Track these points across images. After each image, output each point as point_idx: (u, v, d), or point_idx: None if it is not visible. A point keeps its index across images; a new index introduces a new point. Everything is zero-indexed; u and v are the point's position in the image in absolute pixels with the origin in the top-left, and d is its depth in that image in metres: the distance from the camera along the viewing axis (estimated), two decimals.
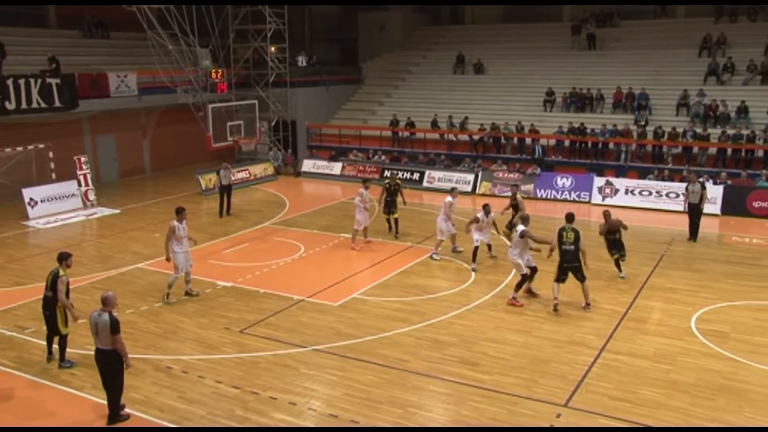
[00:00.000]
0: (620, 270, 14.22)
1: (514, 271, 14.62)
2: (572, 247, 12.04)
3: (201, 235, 18.04)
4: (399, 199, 17.68)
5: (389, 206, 17.58)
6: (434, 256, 15.62)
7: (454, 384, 9.71)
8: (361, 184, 16.83)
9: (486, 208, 14.84)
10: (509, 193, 22.88)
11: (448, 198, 15.70)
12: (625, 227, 14.18)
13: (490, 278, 14.23)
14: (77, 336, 11.27)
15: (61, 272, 10.04)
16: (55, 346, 10.41)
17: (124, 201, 22.78)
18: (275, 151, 29.08)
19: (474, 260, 14.76)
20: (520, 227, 12.73)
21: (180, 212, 12.92)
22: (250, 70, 29.89)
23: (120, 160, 27.00)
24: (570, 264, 12.16)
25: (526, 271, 12.65)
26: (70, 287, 10.28)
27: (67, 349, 10.37)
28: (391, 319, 12.06)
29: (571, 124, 25.37)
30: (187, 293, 13.27)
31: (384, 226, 18.59)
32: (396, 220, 17.75)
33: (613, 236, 14.29)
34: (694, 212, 17.34)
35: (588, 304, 12.29)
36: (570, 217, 12.51)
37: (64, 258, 10.23)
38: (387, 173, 24.82)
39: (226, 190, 20.32)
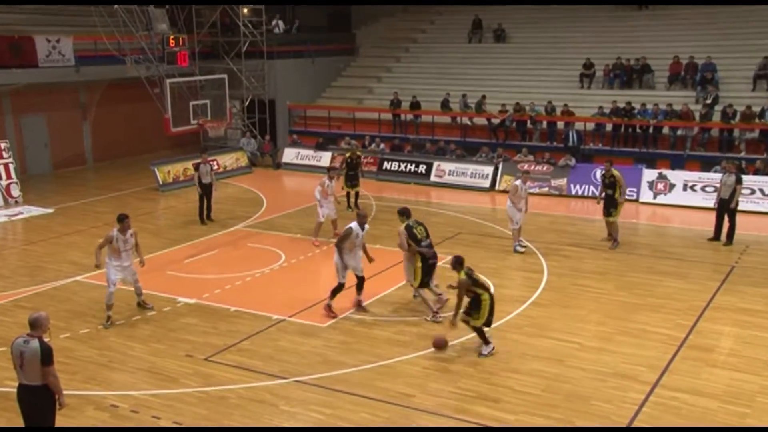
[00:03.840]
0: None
1: (543, 284, 14.64)
2: (429, 240, 12.84)
3: (158, 240, 17.96)
4: (359, 173, 20.89)
5: (352, 180, 20.72)
6: (517, 247, 16.89)
7: (469, 425, 9.60)
8: (325, 173, 18.31)
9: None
10: (536, 190, 23.10)
11: (516, 182, 17.01)
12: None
13: (514, 294, 14.17)
14: None
15: None
16: None
17: (59, 198, 22.67)
18: (249, 137, 29.00)
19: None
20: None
21: (122, 220, 12.82)
22: (218, 37, 29.86)
23: (53, 147, 26.92)
24: (434, 260, 12.80)
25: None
26: None
27: None
28: (392, 343, 12.00)
29: (615, 103, 25.34)
30: (139, 305, 13.37)
31: (381, 230, 18.52)
32: (357, 193, 21.02)
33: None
34: (724, 210, 17.48)
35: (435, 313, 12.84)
36: (407, 211, 13.31)
37: None
38: (352, 143, 25.92)
39: (206, 191, 19.70)
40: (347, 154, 21.36)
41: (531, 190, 22.86)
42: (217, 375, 10.99)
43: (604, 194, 17.47)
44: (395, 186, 24.67)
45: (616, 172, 17.24)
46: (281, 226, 19.38)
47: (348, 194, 20.98)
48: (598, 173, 22.66)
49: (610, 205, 17.17)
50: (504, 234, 18.35)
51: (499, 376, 10.88)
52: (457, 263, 11.62)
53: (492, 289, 11.71)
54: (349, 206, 20.80)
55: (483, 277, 11.89)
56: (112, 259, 12.83)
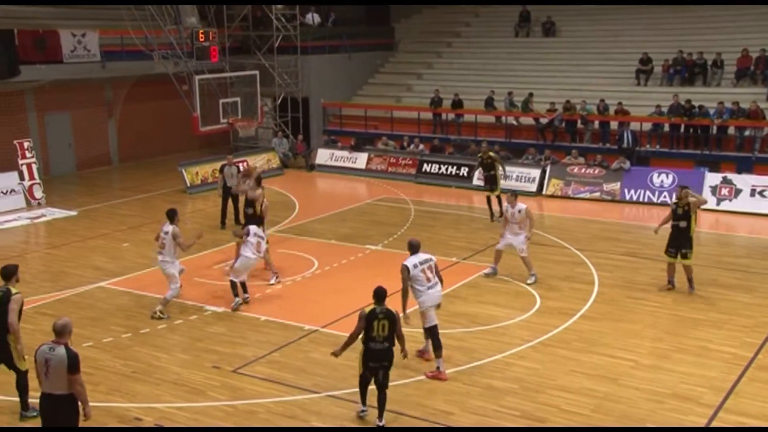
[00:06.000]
0: None
1: (594, 296, 14.51)
2: (385, 344, 9.89)
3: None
4: (499, 173, 20.25)
5: (490, 182, 20.20)
6: (488, 270, 15.89)
7: None
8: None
9: None
10: (587, 195, 22.88)
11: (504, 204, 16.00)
12: None
13: (561, 306, 14.06)
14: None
15: (14, 290, 10.12)
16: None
17: (83, 200, 23.06)
18: (281, 137, 29.21)
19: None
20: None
21: (175, 215, 13.87)
22: (249, 32, 30.11)
23: (77, 147, 27.37)
24: (380, 363, 9.93)
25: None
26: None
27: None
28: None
29: (677, 100, 24.96)
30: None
31: (420, 237, 18.51)
32: (498, 198, 19.84)
33: None
34: None
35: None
36: (382, 295, 10.04)
37: (13, 272, 10.32)
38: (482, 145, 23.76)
39: (231, 195, 19.73)
40: (479, 155, 21.09)
41: (581, 195, 22.93)
42: (246, 388, 11.07)
43: (672, 226, 14.68)
44: (435, 189, 24.61)
45: (694, 199, 14.76)
46: (314, 232, 19.46)
47: (488, 199, 20.28)
48: (656, 177, 22.46)
49: (684, 243, 14.45)
50: (552, 242, 18.23)
51: (545, 394, 10.79)
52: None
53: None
54: (492, 216, 20.11)
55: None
56: (174, 256, 13.73)
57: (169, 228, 13.60)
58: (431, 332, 11.45)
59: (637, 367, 11.59)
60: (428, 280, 11.39)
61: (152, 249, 17.65)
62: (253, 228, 14.37)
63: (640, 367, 11.61)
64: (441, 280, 11.68)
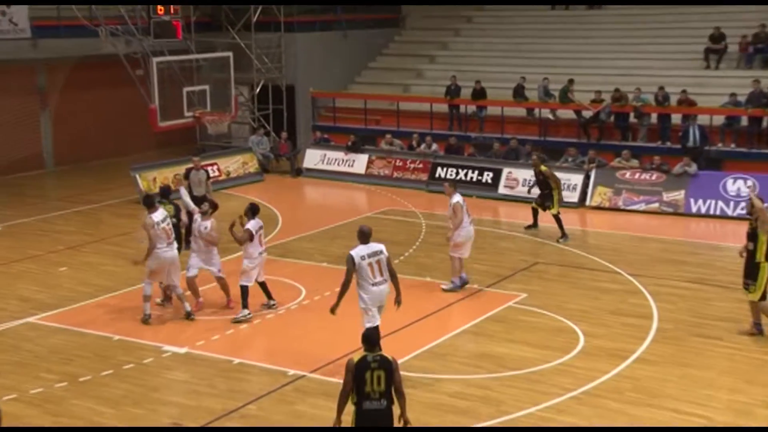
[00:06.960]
0: None
1: (653, 334, 14.40)
2: (383, 402, 9.25)
3: (139, 269, 17.88)
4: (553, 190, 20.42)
5: (543, 199, 20.76)
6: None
7: None
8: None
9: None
10: (642, 206, 22.77)
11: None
12: None
13: (611, 346, 13.94)
14: None
15: None
16: None
17: (7, 213, 22.99)
18: (261, 134, 29.19)
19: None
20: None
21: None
22: (221, 4, 30.13)
23: (2, 145, 27.24)
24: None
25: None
26: None
27: None
28: (446, 410, 11.91)
29: (758, 86, 24.89)
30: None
31: (433, 258, 18.42)
32: (556, 217, 20.37)
33: None
34: None
35: None
36: (373, 339, 9.51)
37: None
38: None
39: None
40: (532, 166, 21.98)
41: (635, 207, 22.82)
42: None
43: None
44: None
45: (761, 206, 13.91)
46: (301, 252, 19.43)
47: (534, 211, 20.92)
48: (731, 184, 22.32)
49: (749, 272, 13.96)
50: (598, 265, 18.14)
51: None
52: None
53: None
54: (563, 235, 20.22)
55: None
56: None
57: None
58: None
59: (711, 425, 11.43)
60: (374, 275, 12.33)
61: (97, 275, 17.72)
62: (251, 224, 15.13)
63: (716, 425, 11.45)
64: (394, 276, 12.61)
